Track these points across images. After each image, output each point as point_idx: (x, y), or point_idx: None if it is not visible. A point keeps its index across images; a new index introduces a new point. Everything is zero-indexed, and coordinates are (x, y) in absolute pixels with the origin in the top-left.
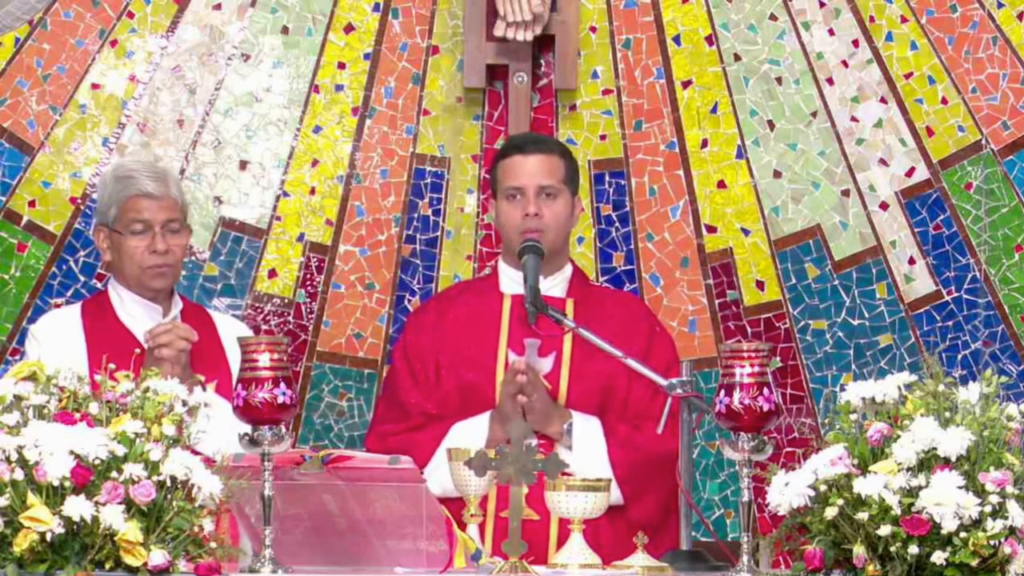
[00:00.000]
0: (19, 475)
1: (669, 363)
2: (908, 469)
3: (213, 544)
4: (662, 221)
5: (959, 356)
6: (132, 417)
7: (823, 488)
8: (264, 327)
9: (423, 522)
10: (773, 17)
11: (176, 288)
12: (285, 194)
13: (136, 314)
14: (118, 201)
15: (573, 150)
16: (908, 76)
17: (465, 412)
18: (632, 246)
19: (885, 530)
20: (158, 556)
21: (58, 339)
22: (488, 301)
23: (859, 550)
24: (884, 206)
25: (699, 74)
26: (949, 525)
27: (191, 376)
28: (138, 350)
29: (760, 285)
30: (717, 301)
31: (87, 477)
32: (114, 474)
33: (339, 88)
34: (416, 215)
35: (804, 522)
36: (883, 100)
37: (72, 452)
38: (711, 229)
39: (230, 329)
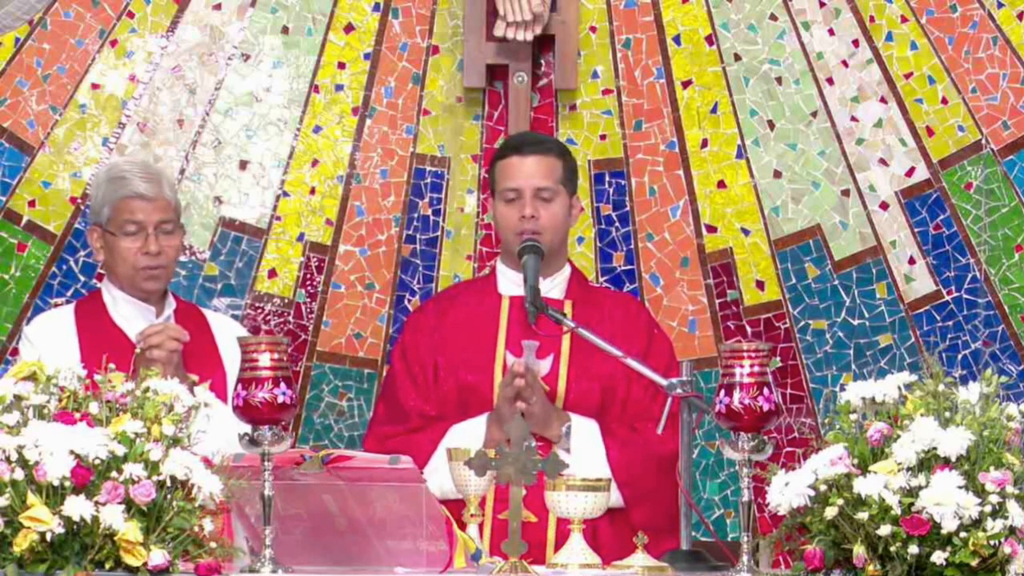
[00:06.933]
0: (19, 475)
1: (667, 365)
2: (908, 469)
3: (213, 544)
4: (662, 221)
5: (959, 356)
6: (132, 417)
7: (823, 488)
8: (264, 327)
9: (423, 522)
10: (773, 17)
11: (175, 288)
12: (285, 194)
13: (129, 315)
14: (111, 202)
15: (573, 150)
16: (908, 76)
17: (463, 413)
18: (632, 246)
19: (885, 530)
20: (158, 556)
21: (51, 340)
22: (487, 302)
23: (859, 550)
24: (884, 206)
25: (699, 74)
26: (949, 525)
27: (184, 376)
28: (137, 350)
29: (760, 285)
30: (717, 301)
31: (87, 477)
32: (114, 474)
33: (339, 88)
34: (416, 215)
35: (804, 522)
36: (883, 100)
37: (72, 452)
38: (711, 229)
39: (225, 328)
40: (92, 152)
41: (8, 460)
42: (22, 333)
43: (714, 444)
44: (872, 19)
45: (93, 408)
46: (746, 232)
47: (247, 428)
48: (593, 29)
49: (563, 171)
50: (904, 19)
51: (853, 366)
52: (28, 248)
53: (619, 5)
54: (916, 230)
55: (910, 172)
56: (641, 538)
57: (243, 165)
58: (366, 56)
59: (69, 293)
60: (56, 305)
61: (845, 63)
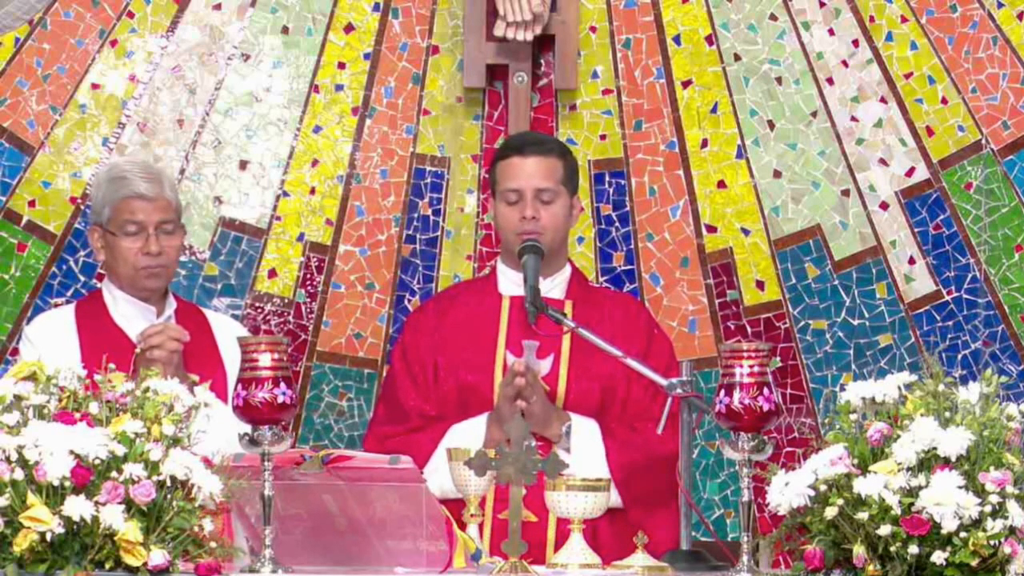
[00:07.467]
0: (19, 475)
1: (667, 365)
2: (908, 469)
3: (213, 544)
4: (662, 221)
5: (959, 356)
6: (132, 417)
7: (823, 488)
8: (264, 327)
9: (423, 522)
10: (773, 17)
11: (175, 288)
12: (285, 194)
13: (130, 315)
14: (112, 202)
15: (573, 150)
16: (908, 76)
17: (464, 413)
18: (632, 246)
19: (885, 530)
20: (158, 556)
21: (52, 340)
22: (487, 302)
23: (859, 550)
24: (884, 206)
25: (699, 74)
26: (949, 525)
27: (185, 376)
28: (137, 350)
29: (760, 285)
30: (717, 301)
31: (87, 477)
32: (114, 474)
33: (339, 88)
34: (416, 215)
35: (804, 522)
36: (883, 100)
37: (72, 452)
38: (711, 229)
39: (226, 328)
40: (92, 152)
41: (8, 460)
42: (22, 333)
43: (714, 444)
44: (872, 19)
45: (93, 408)
46: (746, 232)
47: (247, 428)
48: (593, 29)
49: (564, 171)
50: (904, 19)
51: (853, 366)
52: (28, 248)
53: (619, 5)
54: (916, 230)
55: (910, 172)
56: (641, 538)
57: (243, 165)
58: (366, 56)
59: (69, 293)
60: (56, 305)
61: (845, 63)
